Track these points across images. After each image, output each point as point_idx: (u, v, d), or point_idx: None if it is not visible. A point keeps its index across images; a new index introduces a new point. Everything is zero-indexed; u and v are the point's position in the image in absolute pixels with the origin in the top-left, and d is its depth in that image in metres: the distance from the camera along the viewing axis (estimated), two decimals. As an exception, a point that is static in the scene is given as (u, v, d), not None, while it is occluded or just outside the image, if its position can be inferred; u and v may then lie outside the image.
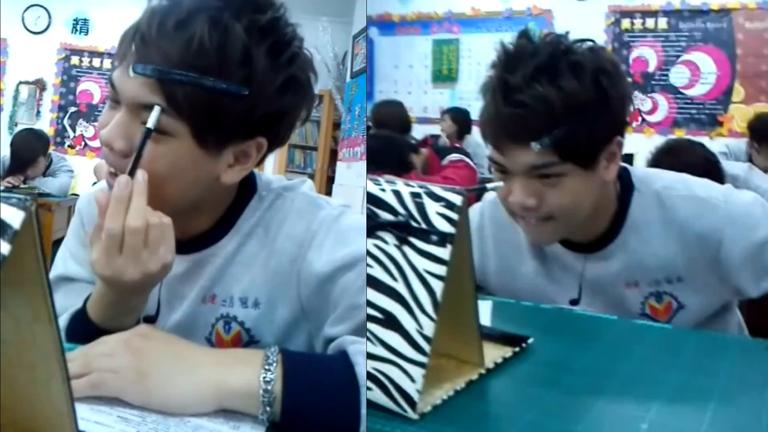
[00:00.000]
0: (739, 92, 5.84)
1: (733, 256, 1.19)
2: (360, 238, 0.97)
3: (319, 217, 1.02)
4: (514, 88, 1.09)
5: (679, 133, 5.82)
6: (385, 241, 0.78)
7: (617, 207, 1.25)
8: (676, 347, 1.02)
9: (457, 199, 0.74)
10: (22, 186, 4.49)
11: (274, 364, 0.77)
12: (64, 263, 1.13)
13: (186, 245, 1.02)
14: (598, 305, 1.25)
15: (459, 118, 5.73)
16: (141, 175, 0.87)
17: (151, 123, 0.86)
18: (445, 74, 6.91)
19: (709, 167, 2.30)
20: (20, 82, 7.04)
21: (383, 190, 0.79)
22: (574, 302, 1.28)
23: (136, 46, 0.87)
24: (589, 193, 1.17)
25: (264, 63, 0.89)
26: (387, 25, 7.15)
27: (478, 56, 6.70)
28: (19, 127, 6.07)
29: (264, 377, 0.76)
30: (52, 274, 1.12)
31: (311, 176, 7.13)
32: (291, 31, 0.95)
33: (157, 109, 0.86)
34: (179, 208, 0.95)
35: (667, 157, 2.37)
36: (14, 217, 0.48)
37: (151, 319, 1.04)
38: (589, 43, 1.15)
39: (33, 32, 7.03)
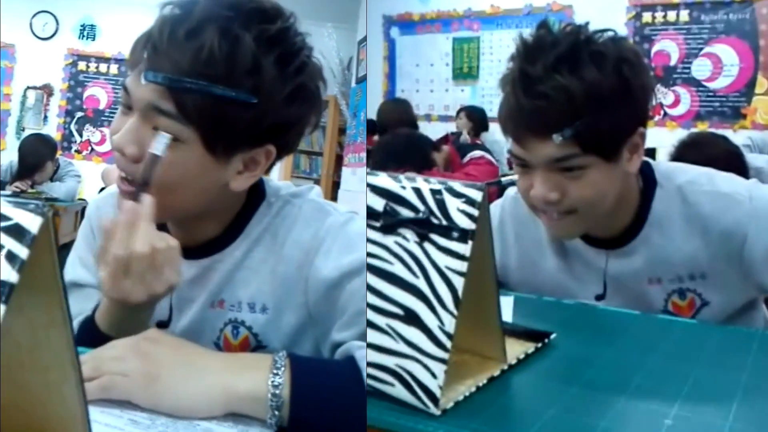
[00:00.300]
0: (762, 84, 5.74)
1: (757, 253, 1.17)
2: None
3: (327, 223, 1.02)
4: (534, 79, 1.08)
5: (702, 126, 5.75)
6: (406, 238, 0.78)
7: (639, 202, 1.24)
8: (700, 342, 1.01)
9: (477, 195, 0.74)
10: (30, 191, 4.52)
11: (283, 369, 0.78)
12: (73, 269, 1.15)
13: (195, 251, 1.04)
14: (619, 302, 1.24)
15: (474, 116, 5.72)
16: (147, 200, 0.89)
17: (159, 149, 0.88)
18: (465, 72, 6.88)
19: (732, 160, 2.29)
20: (28, 87, 7.05)
21: (403, 187, 0.80)
22: (600, 298, 1.27)
23: (147, 54, 0.89)
24: (611, 186, 1.15)
25: (272, 72, 0.90)
26: (407, 24, 7.13)
27: (499, 53, 6.66)
28: (27, 132, 6.18)
29: (272, 382, 0.77)
30: (68, 280, 1.13)
31: (317, 181, 7.10)
32: (300, 40, 0.96)
33: (165, 137, 0.88)
34: (188, 215, 0.99)
35: (689, 151, 2.36)
36: (32, 222, 0.49)
37: (163, 324, 1.06)
38: (610, 33, 1.13)
39: (41, 38, 7.04)
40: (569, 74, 1.06)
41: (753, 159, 2.72)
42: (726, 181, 1.23)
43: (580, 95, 1.06)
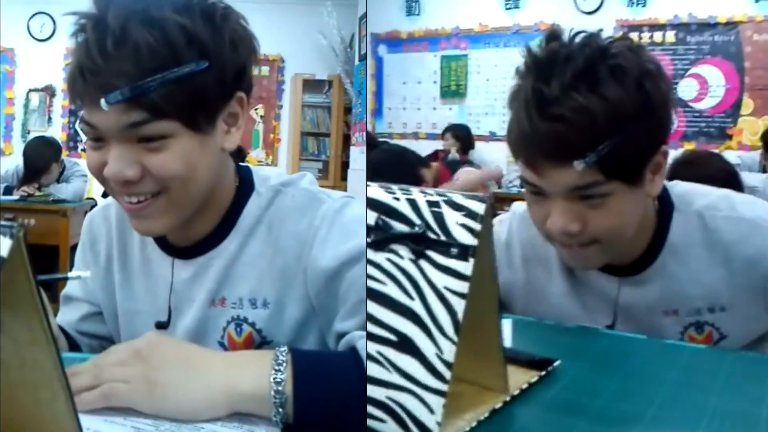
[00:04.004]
0: (748, 105, 5.82)
1: None
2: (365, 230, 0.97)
3: (321, 211, 1.01)
4: (550, 99, 0.98)
5: (689, 147, 5.78)
6: (400, 255, 0.71)
7: (656, 227, 1.15)
8: (714, 369, 0.94)
9: (479, 208, 0.67)
10: (37, 194, 4.64)
11: (284, 364, 0.79)
12: (71, 282, 1.18)
13: (190, 250, 1.06)
14: (630, 332, 1.16)
15: (460, 134, 5.76)
16: None
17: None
18: (453, 90, 6.89)
19: (728, 179, 2.25)
20: (30, 90, 7.18)
21: (397, 198, 0.73)
22: (609, 328, 1.19)
23: (88, 81, 0.87)
24: (635, 212, 1.07)
25: (206, 32, 0.91)
26: (395, 42, 7.15)
27: (487, 72, 6.69)
28: (32, 135, 6.31)
29: (274, 378, 0.77)
30: (62, 293, 1.19)
31: (325, 163, 7.25)
32: None
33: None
34: (204, 198, 0.99)
35: (684, 169, 2.30)
36: (2, 245, 0.50)
37: (162, 326, 1.07)
38: (626, 42, 1.04)
39: (39, 39, 7.13)
40: (589, 92, 0.97)
41: (748, 178, 2.69)
42: (747, 205, 1.15)
43: (602, 116, 0.96)
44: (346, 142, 6.97)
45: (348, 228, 0.99)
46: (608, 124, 0.97)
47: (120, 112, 0.87)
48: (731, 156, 4.28)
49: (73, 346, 1.14)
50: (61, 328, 1.13)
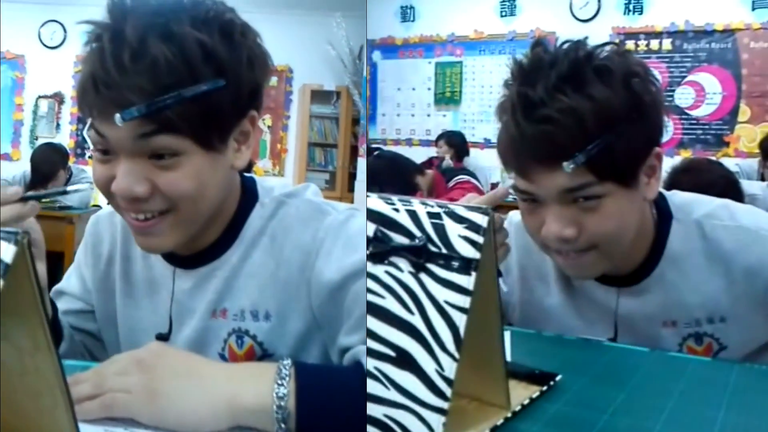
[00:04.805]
0: (745, 112, 5.79)
1: None
2: None
3: (326, 223, 0.99)
4: (536, 102, 0.97)
5: (686, 154, 5.75)
6: (399, 268, 0.69)
7: (654, 237, 1.13)
8: (719, 382, 0.92)
9: (482, 220, 0.65)
10: (44, 200, 4.50)
11: (287, 378, 0.78)
12: (67, 278, 1.18)
13: (192, 260, 1.04)
14: (629, 344, 1.14)
15: (454, 141, 5.71)
16: None
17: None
18: (447, 96, 6.86)
19: (728, 186, 2.22)
20: (39, 97, 7.19)
21: (397, 209, 0.70)
22: (611, 341, 1.16)
23: (102, 94, 0.85)
24: (632, 215, 1.05)
25: (224, 49, 0.89)
26: (390, 48, 7.12)
27: (481, 79, 6.66)
28: (40, 141, 6.39)
29: (277, 392, 0.76)
30: (54, 287, 1.17)
31: (332, 174, 7.23)
32: (222, 7, 0.94)
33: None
34: (211, 214, 0.98)
35: (685, 177, 2.28)
36: (6, 251, 0.50)
37: (163, 337, 1.05)
38: (613, 47, 1.03)
39: (49, 47, 7.13)
40: (575, 93, 0.96)
41: (748, 186, 2.67)
42: (747, 214, 1.13)
43: (589, 116, 0.95)
44: (354, 153, 6.98)
45: (353, 241, 0.97)
46: (596, 123, 0.96)
47: (134, 127, 0.85)
48: (729, 164, 4.28)
49: (57, 332, 1.10)
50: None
